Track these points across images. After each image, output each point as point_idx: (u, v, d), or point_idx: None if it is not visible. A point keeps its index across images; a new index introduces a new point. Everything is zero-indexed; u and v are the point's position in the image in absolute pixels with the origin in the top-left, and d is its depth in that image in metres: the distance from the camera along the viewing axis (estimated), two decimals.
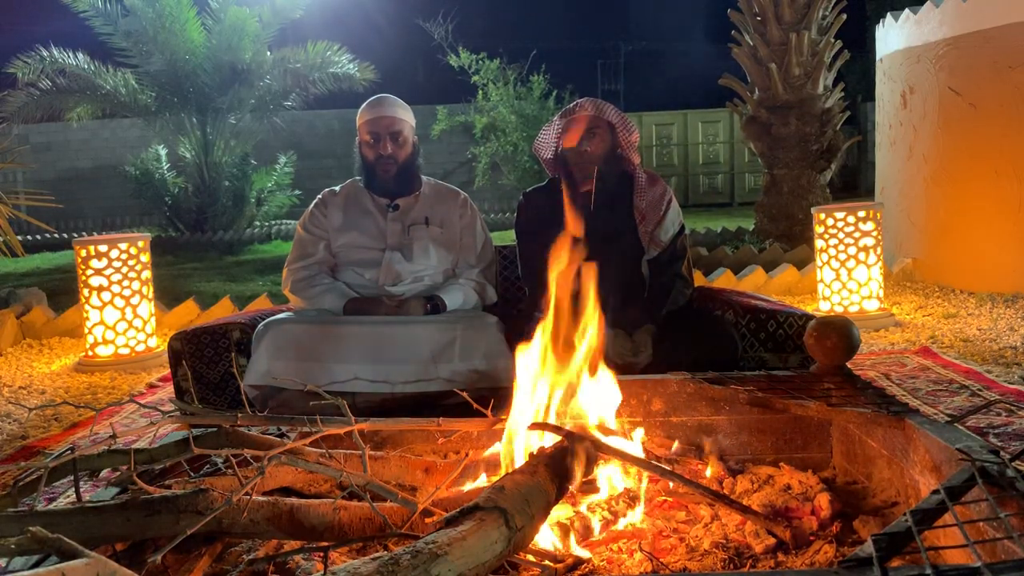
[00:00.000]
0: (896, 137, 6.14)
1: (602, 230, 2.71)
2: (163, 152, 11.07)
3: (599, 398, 1.89)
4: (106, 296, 4.29)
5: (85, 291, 4.30)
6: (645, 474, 1.78)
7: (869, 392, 1.89)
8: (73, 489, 1.53)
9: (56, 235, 9.69)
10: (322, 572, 1.13)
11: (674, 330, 2.58)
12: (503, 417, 1.83)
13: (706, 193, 15.48)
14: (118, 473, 1.73)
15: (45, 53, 10.04)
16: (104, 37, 10.28)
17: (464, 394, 1.87)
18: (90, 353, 4.34)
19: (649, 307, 2.67)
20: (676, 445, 2.07)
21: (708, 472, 1.96)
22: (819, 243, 4.72)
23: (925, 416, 1.70)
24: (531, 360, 1.82)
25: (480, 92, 13.68)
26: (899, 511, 1.64)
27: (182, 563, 1.52)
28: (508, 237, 3.20)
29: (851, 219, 4.60)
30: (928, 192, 5.68)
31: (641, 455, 1.82)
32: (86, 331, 4.35)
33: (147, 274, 4.41)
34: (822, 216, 4.70)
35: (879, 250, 4.64)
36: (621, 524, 1.70)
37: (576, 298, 1.89)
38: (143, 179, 10.80)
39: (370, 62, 11.22)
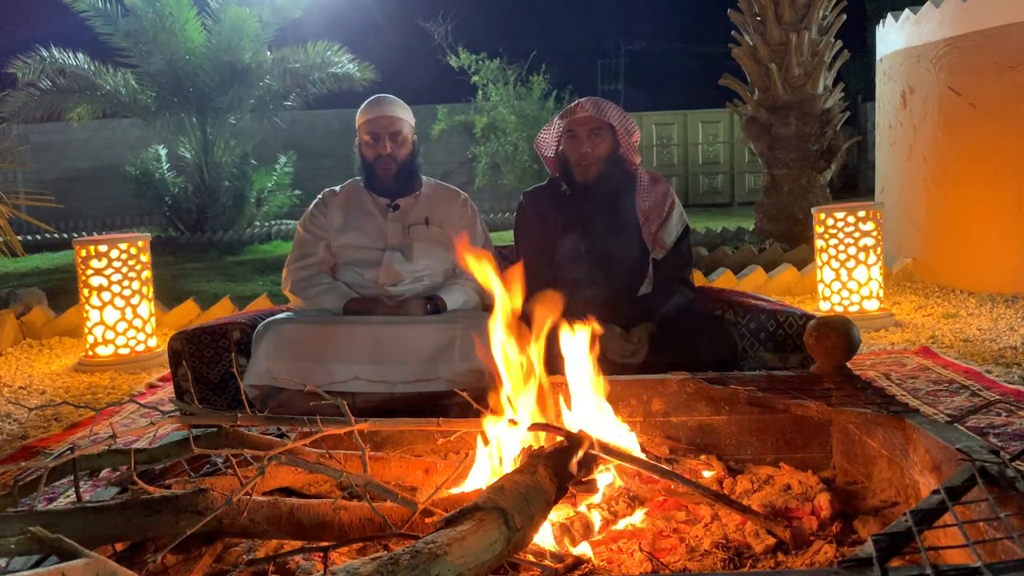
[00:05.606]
0: (896, 137, 6.14)
1: (604, 231, 2.71)
2: (163, 152, 11.07)
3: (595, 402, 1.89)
4: (106, 296, 4.28)
5: (85, 291, 4.30)
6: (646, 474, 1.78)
7: (869, 392, 1.89)
8: (73, 489, 1.53)
9: (56, 235, 9.69)
10: (322, 572, 1.13)
11: (674, 330, 2.58)
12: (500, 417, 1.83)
13: (706, 193, 15.49)
14: (118, 473, 1.73)
15: (45, 53, 10.04)
16: (104, 37, 10.28)
17: (464, 394, 1.86)
18: (90, 353, 4.34)
19: (649, 306, 2.67)
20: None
21: (708, 472, 1.96)
22: (819, 243, 4.72)
23: (925, 416, 1.70)
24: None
25: (480, 92, 13.69)
26: (899, 511, 1.64)
27: (182, 563, 1.52)
28: (508, 237, 3.20)
29: (851, 219, 4.60)
30: (928, 192, 5.68)
31: (641, 455, 1.82)
32: (86, 331, 4.35)
33: (147, 274, 4.41)
34: (822, 216, 4.70)
35: (879, 250, 4.64)
36: (621, 524, 1.70)
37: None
38: (143, 179, 10.79)
39: (370, 62, 11.22)
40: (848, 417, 1.83)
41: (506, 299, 1.83)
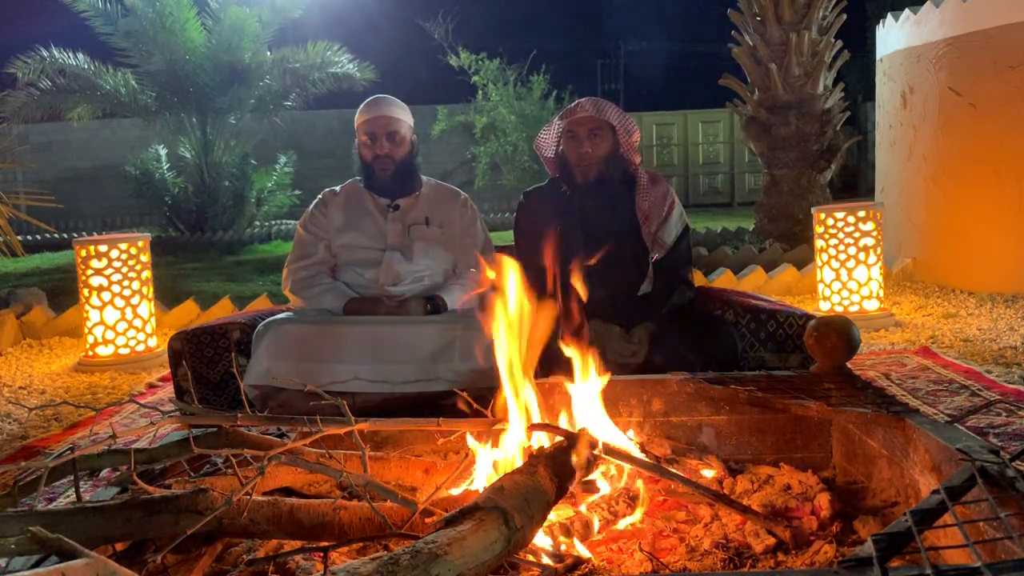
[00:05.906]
0: (896, 137, 6.14)
1: (604, 231, 2.71)
2: (163, 152, 11.08)
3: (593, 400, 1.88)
4: (106, 296, 4.28)
5: (85, 291, 4.30)
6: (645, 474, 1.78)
7: (869, 392, 1.89)
8: (73, 489, 1.53)
9: (56, 235, 9.69)
10: (322, 572, 1.13)
11: (674, 330, 2.58)
12: (502, 418, 1.83)
13: (706, 193, 15.49)
14: (118, 473, 1.73)
15: (45, 53, 10.05)
16: (104, 37, 10.29)
17: (464, 394, 1.86)
18: (90, 353, 4.34)
19: (649, 306, 2.67)
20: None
21: (708, 472, 1.96)
22: (819, 243, 4.72)
23: (925, 416, 1.70)
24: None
25: (480, 92, 13.69)
26: (899, 511, 1.64)
27: (182, 563, 1.52)
28: (508, 237, 3.20)
29: (851, 219, 4.60)
30: (928, 192, 5.68)
31: (640, 455, 1.82)
32: (86, 331, 4.34)
33: (147, 274, 4.41)
34: (822, 216, 4.70)
35: (879, 250, 4.64)
36: (621, 524, 1.70)
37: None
38: (143, 179, 10.80)
39: (370, 62, 11.23)
40: (848, 417, 1.83)
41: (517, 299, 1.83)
